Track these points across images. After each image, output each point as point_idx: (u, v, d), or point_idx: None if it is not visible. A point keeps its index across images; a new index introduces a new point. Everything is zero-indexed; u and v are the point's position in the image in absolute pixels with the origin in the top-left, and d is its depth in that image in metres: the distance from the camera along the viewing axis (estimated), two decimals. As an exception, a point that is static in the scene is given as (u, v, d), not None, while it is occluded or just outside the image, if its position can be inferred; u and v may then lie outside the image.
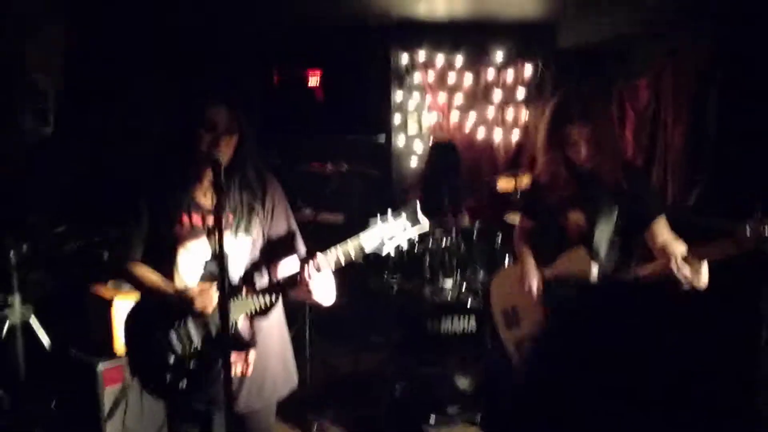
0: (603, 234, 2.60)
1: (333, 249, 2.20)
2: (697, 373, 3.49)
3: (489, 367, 4.00)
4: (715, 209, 4.25)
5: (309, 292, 2.22)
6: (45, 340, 3.88)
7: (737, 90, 4.62)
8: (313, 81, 6.26)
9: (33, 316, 3.86)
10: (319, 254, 2.20)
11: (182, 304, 2.22)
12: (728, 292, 2.62)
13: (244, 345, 2.31)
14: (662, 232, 2.57)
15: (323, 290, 2.26)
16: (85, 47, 4.61)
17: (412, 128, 6.17)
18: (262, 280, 2.35)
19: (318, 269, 2.19)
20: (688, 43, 5.15)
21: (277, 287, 2.28)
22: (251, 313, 2.29)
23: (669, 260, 2.31)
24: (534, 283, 2.80)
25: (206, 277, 2.30)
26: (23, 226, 3.92)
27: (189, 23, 5.26)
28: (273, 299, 2.28)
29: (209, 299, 2.22)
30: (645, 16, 4.85)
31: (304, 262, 2.23)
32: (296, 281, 2.23)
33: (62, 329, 3.91)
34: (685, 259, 2.29)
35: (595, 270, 2.60)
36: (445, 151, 5.32)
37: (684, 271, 2.27)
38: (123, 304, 3.35)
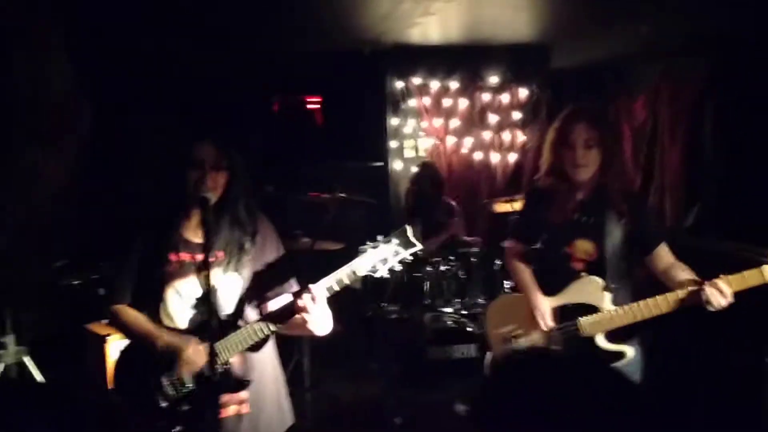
0: (613, 260, 2.54)
1: (326, 279, 2.18)
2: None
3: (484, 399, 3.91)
4: (712, 230, 4.22)
5: (305, 322, 2.17)
6: (39, 379, 3.83)
7: (733, 110, 4.61)
8: (312, 107, 6.29)
9: (27, 357, 3.82)
10: (311, 286, 2.17)
11: (169, 354, 2.18)
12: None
13: (238, 384, 2.27)
14: (666, 256, 2.54)
15: (319, 321, 2.21)
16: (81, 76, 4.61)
17: (409, 153, 6.17)
18: (253, 317, 2.32)
19: (313, 300, 2.15)
20: (683, 64, 5.17)
21: (271, 320, 2.23)
22: (244, 350, 2.25)
23: (703, 285, 2.28)
24: (546, 313, 2.63)
25: (196, 316, 2.26)
26: (18, 264, 3.90)
27: (188, 53, 5.28)
28: (265, 334, 2.23)
29: (196, 355, 2.18)
30: (637, 39, 4.85)
31: (297, 295, 2.20)
32: (290, 314, 2.19)
33: (58, 368, 3.87)
34: (719, 284, 2.25)
35: (608, 299, 2.52)
36: (424, 172, 5.30)
37: (717, 297, 2.24)
38: (117, 341, 3.31)
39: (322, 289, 2.16)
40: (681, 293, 2.37)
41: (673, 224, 5.14)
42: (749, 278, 2.23)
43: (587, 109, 2.59)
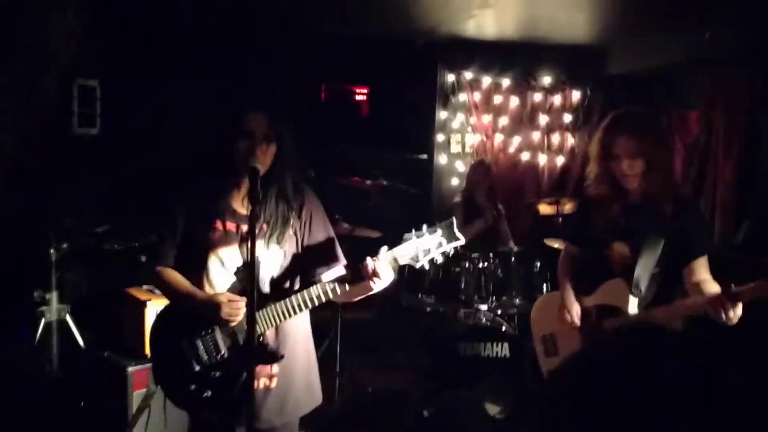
0: (645, 266, 2.52)
1: (368, 260, 2.17)
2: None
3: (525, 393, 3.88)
4: (763, 248, 4.09)
5: (373, 283, 2.17)
6: (79, 339, 3.92)
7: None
8: (360, 97, 6.29)
9: (68, 315, 3.90)
10: (381, 250, 2.16)
11: (209, 312, 2.20)
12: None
13: (271, 357, 2.27)
14: (701, 270, 2.49)
15: (385, 279, 2.20)
16: (131, 53, 4.72)
17: (455, 148, 6.13)
18: (293, 289, 2.33)
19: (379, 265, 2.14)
20: (743, 75, 5.01)
21: (341, 282, 2.22)
22: (279, 322, 2.25)
23: (711, 298, 2.25)
24: (573, 312, 2.72)
25: (236, 285, 2.28)
26: (64, 224, 3.99)
27: (240, 35, 5.33)
28: (304, 307, 2.23)
29: (236, 310, 2.19)
30: (699, 46, 4.71)
31: (347, 268, 2.24)
32: (360, 278, 2.18)
33: (97, 329, 3.95)
34: (726, 298, 2.21)
35: (633, 303, 2.52)
36: (479, 170, 5.23)
37: (726, 310, 2.20)
38: (156, 306, 3.35)
39: (384, 255, 2.16)
40: (698, 300, 2.35)
41: (723, 241, 5.01)
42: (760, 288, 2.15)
43: (628, 117, 2.55)
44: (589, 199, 2.75)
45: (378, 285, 2.19)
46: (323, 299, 2.22)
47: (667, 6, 4.40)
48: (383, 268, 2.15)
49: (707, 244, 2.59)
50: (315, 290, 2.21)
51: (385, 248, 2.17)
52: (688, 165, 5.66)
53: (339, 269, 2.33)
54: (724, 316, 2.20)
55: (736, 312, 2.20)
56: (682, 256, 2.52)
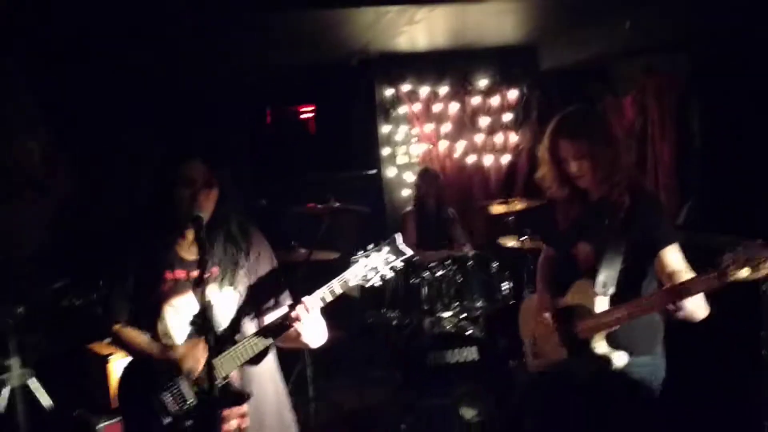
0: (610, 264, 2.50)
1: (319, 290, 2.22)
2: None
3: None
4: (705, 225, 4.24)
5: (298, 335, 2.22)
6: (46, 401, 3.86)
7: (718, 105, 4.66)
8: (306, 116, 6.33)
9: (33, 378, 3.84)
10: (305, 298, 2.21)
11: (170, 368, 2.22)
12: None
13: (238, 398, 2.30)
14: (671, 261, 2.45)
15: (312, 332, 2.26)
16: (68, 104, 4.70)
17: (402, 159, 6.21)
18: (251, 330, 2.36)
19: (307, 311, 2.19)
20: (665, 61, 5.21)
21: (266, 334, 2.27)
22: (242, 364, 2.28)
23: (660, 293, 2.28)
24: (545, 315, 2.69)
25: (193, 333, 2.30)
26: (18, 287, 3.94)
27: (181, 69, 5.33)
28: (261, 348, 2.27)
29: (196, 358, 2.21)
30: (621, 36, 4.89)
31: (291, 307, 2.24)
32: (285, 326, 2.23)
33: (63, 389, 3.90)
34: (671, 292, 2.23)
35: (600, 302, 2.49)
36: (426, 178, 5.32)
37: (681, 307, 2.21)
38: (119, 360, 3.35)
39: (315, 300, 2.21)
40: (657, 293, 2.38)
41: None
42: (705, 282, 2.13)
43: (568, 120, 2.59)
44: (553, 201, 2.78)
45: (307, 335, 2.22)
46: (252, 352, 2.25)
47: (590, 2, 4.55)
48: (307, 315, 2.18)
49: (672, 232, 2.54)
50: (244, 344, 2.25)
51: (314, 294, 2.21)
52: (628, 150, 5.85)
53: (284, 309, 2.34)
54: (679, 312, 2.20)
55: (686, 306, 2.19)
56: (647, 249, 2.49)
